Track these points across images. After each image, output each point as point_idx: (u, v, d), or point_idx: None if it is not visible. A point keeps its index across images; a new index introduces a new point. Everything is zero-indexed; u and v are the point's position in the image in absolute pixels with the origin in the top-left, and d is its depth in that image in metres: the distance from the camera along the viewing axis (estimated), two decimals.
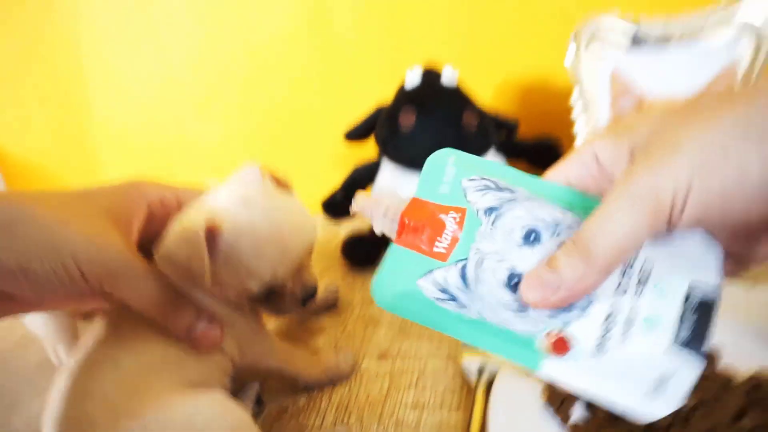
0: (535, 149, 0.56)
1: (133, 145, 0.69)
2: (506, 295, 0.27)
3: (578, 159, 0.28)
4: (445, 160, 0.30)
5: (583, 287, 0.25)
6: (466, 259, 0.27)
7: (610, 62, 0.46)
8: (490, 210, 0.28)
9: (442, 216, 0.29)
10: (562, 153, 0.53)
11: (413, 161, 0.50)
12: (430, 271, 0.28)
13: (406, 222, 0.29)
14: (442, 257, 0.28)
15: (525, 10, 0.57)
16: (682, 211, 0.23)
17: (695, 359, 0.24)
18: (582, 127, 0.48)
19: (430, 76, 0.51)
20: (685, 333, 0.24)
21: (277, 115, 0.65)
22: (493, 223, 0.28)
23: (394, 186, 0.52)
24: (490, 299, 0.27)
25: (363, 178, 0.57)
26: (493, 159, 0.52)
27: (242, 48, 0.63)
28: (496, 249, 0.27)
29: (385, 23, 0.61)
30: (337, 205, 0.58)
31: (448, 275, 0.28)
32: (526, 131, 0.56)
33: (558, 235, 0.27)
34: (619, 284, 0.26)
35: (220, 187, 0.37)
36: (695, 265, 0.25)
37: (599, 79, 0.45)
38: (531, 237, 0.28)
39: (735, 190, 0.22)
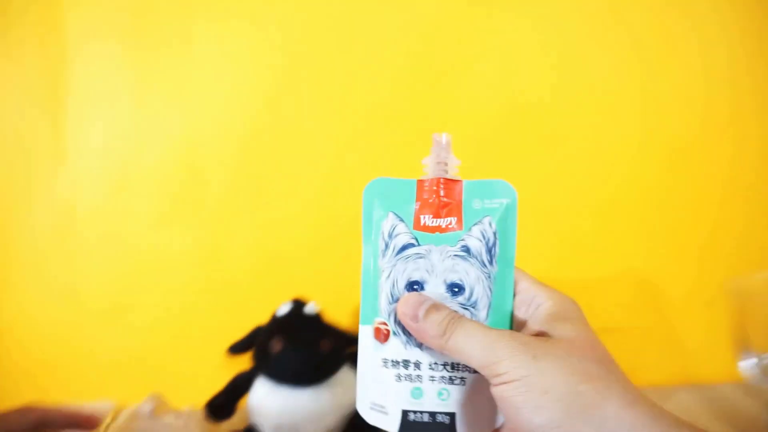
0: None
1: (35, 360, 0.76)
2: (399, 285, 0.32)
3: (537, 290, 0.33)
4: (508, 194, 0.33)
5: (422, 339, 0.31)
6: (418, 245, 0.32)
7: None
8: (466, 249, 0.32)
9: (453, 215, 0.33)
10: None
11: (281, 379, 0.62)
12: (402, 215, 0.33)
13: (440, 183, 0.33)
14: (417, 224, 0.33)
15: None
16: (494, 384, 0.29)
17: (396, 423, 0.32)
18: None
19: (297, 308, 0.66)
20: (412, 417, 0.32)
21: (173, 332, 0.76)
22: (453, 256, 0.32)
23: (267, 397, 0.63)
24: (391, 273, 0.32)
25: (243, 383, 0.68)
26: (347, 373, 0.65)
27: (147, 271, 0.75)
28: (436, 267, 0.32)
29: (264, 264, 0.77)
30: (218, 408, 0.67)
31: (402, 233, 0.33)
32: None
33: (464, 308, 0.32)
34: (439, 363, 0.32)
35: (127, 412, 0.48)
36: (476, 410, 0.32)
37: None
38: (455, 289, 0.32)
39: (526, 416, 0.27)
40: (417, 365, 0.32)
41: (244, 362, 0.68)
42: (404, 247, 0.32)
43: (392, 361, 0.32)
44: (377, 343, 0.33)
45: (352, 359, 0.68)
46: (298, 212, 0.76)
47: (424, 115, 0.75)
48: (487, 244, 0.32)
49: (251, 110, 0.74)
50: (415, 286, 0.32)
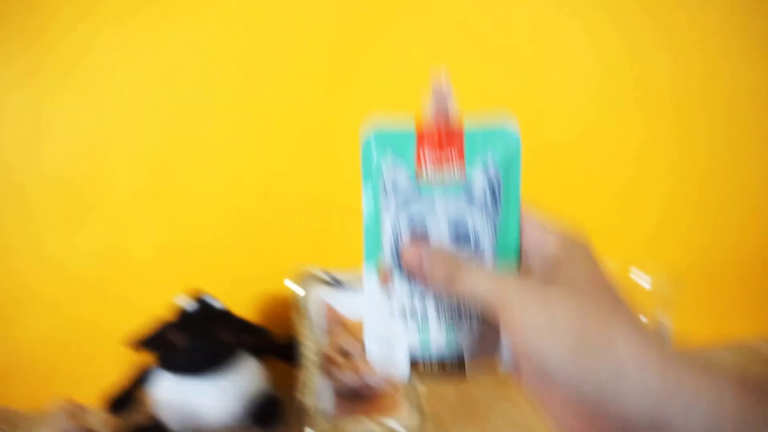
0: (281, 347, 0.74)
1: None
2: (403, 234, 0.32)
3: (544, 230, 0.31)
4: (511, 137, 0.32)
5: (428, 281, 0.31)
6: (421, 193, 0.32)
7: (322, 297, 0.68)
8: (469, 195, 0.32)
9: (455, 160, 0.32)
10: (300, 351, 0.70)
11: (181, 370, 0.64)
12: (402, 161, 0.32)
13: (440, 128, 0.32)
14: (418, 170, 0.32)
15: (267, 257, 0.80)
16: (503, 327, 0.29)
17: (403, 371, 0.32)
18: (306, 343, 0.68)
19: (198, 300, 0.68)
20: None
21: (75, 330, 0.77)
22: (457, 203, 0.31)
23: (169, 388, 0.65)
24: (393, 221, 0.32)
25: (144, 376, 0.69)
26: (247, 361, 0.68)
27: (48, 271, 0.75)
28: (439, 215, 0.31)
29: (167, 259, 0.78)
30: (120, 402, 0.68)
31: (403, 180, 0.32)
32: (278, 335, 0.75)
33: (471, 253, 0.32)
34: (446, 309, 0.32)
35: None
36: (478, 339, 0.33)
37: (317, 309, 0.66)
38: (460, 235, 0.31)
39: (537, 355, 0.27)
40: (423, 311, 0.32)
41: (145, 356, 0.69)
42: (406, 195, 0.32)
43: (398, 307, 0.32)
44: (382, 290, 0.33)
45: (253, 349, 0.71)
46: (203, 208, 0.78)
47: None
48: (491, 189, 0.32)
49: (158, 108, 0.75)
50: (419, 234, 0.32)
